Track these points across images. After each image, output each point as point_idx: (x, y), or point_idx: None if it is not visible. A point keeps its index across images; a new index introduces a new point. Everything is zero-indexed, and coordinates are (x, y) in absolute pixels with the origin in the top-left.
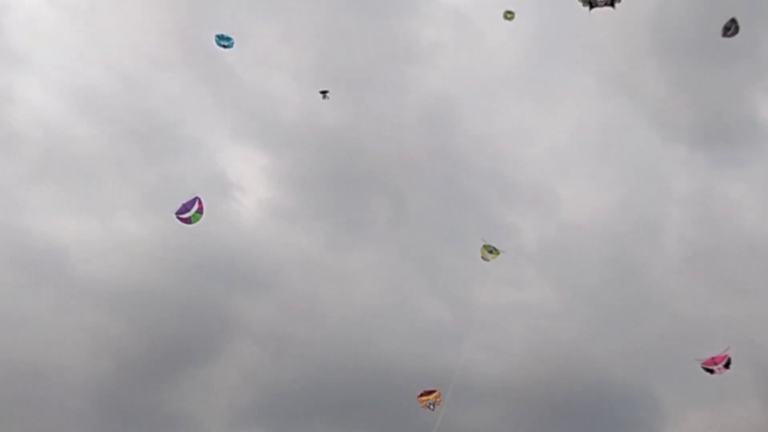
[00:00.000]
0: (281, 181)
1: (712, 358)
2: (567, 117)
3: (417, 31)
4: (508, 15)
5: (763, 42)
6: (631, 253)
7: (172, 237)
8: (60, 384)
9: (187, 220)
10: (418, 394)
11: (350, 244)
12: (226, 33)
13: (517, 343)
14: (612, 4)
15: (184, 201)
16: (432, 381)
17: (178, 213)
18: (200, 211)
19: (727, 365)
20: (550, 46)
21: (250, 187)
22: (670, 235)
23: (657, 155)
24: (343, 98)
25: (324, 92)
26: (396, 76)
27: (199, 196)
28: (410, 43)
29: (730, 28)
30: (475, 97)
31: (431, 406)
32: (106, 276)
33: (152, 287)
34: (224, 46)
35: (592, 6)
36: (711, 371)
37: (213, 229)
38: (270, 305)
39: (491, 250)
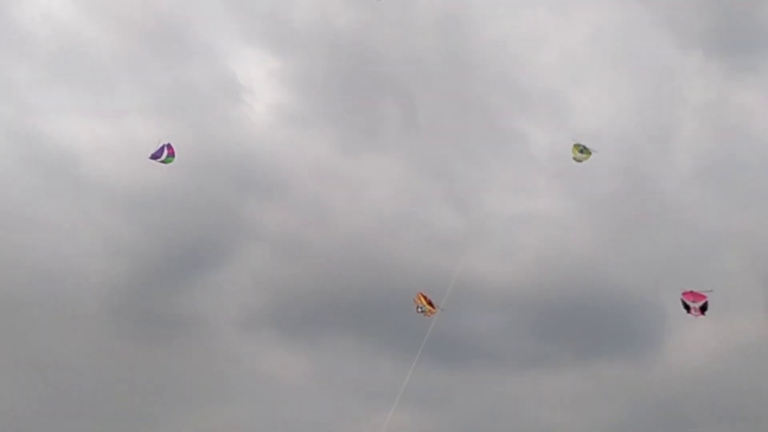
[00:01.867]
0: (292, 85)
1: (693, 293)
2: (581, 22)
3: None
4: None
5: None
6: (644, 163)
7: (184, 140)
8: (74, 287)
9: (163, 162)
10: (422, 292)
11: (361, 149)
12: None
13: (528, 251)
14: None
15: (154, 150)
16: (442, 288)
17: (152, 157)
18: (171, 154)
19: (703, 309)
20: None
21: (260, 91)
22: (684, 145)
23: (672, 62)
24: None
25: None
26: None
27: (166, 143)
28: None
29: None
30: (489, 1)
31: (420, 310)
32: (119, 179)
33: (164, 191)
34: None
35: None
36: (687, 308)
37: (224, 133)
38: (281, 210)
39: (582, 150)
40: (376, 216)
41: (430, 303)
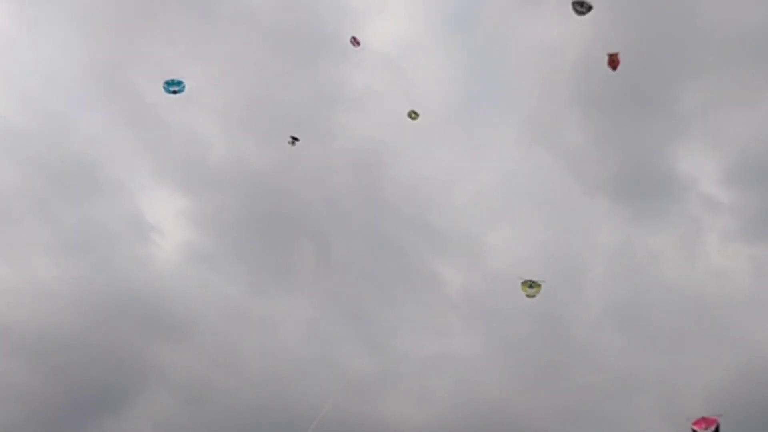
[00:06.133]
0: (202, 224)
1: (704, 418)
2: (493, 165)
3: (347, 76)
4: (413, 115)
5: (681, 98)
6: (556, 304)
7: (88, 280)
8: None
9: None
10: None
11: (273, 289)
12: (175, 78)
13: (442, 393)
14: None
15: None
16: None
17: None
18: None
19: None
20: (476, 94)
21: (169, 230)
22: (593, 287)
23: (580, 206)
24: (270, 142)
25: (294, 138)
26: (325, 121)
27: None
28: (340, 87)
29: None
30: (403, 143)
31: None
32: (17, 320)
33: (65, 332)
34: (174, 92)
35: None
36: None
37: (130, 273)
38: (188, 353)
39: (531, 285)
40: (287, 358)
41: None
